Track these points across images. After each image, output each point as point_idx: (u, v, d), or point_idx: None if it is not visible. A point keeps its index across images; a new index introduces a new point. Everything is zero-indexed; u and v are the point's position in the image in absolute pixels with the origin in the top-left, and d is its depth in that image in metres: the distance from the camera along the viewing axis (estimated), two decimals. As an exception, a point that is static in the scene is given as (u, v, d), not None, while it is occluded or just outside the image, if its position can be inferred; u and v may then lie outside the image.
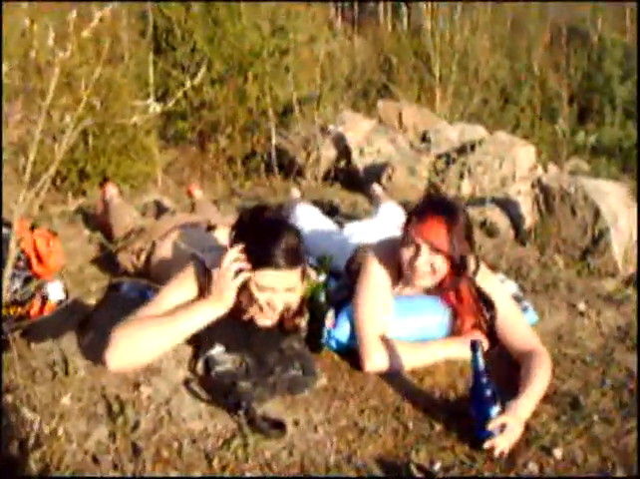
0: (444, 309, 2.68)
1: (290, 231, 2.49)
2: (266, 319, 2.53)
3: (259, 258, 2.41)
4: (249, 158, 5.91)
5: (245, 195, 4.98)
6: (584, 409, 2.36)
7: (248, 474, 2.03)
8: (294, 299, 2.53)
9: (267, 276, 2.42)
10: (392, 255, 2.69)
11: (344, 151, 5.80)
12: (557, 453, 2.15)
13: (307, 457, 2.13)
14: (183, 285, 2.53)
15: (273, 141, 5.74)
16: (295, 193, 4.25)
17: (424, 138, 6.15)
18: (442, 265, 2.54)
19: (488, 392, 2.16)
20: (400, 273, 2.69)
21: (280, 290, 2.46)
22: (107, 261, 3.45)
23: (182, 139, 5.92)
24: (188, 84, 1.79)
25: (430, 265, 2.53)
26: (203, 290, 2.50)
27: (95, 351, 2.44)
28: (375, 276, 2.67)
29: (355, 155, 5.70)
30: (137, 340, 2.33)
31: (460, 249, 2.52)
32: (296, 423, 2.26)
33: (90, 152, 4.59)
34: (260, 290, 2.45)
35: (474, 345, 2.19)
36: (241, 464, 2.07)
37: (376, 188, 4.41)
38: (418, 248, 2.51)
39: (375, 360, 2.54)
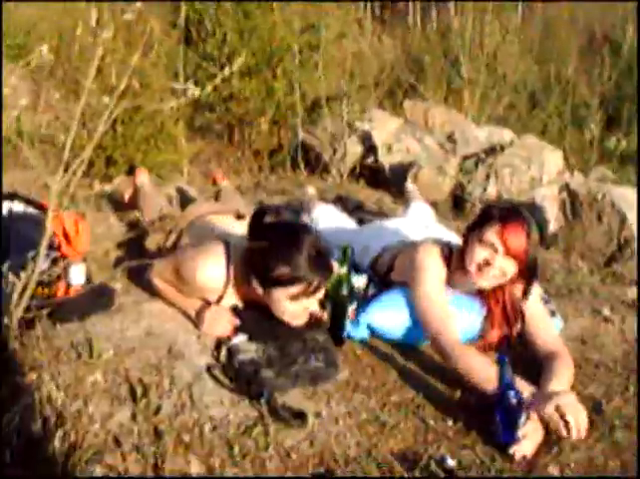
0: (480, 310, 2.68)
1: (310, 236, 2.45)
2: (301, 321, 2.54)
3: (292, 278, 2.40)
4: (275, 152, 5.92)
5: (271, 187, 4.98)
6: (606, 414, 2.35)
7: (268, 463, 2.04)
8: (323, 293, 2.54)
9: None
10: (441, 249, 2.71)
11: (370, 148, 5.80)
12: (578, 456, 2.13)
13: (327, 449, 2.13)
14: (210, 262, 2.57)
15: (300, 136, 5.74)
16: (310, 190, 4.22)
17: (450, 138, 6.12)
18: (511, 270, 2.53)
19: (514, 401, 2.15)
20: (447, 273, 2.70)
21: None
22: (133, 246, 3.47)
23: (209, 130, 5.94)
24: (226, 71, 1.79)
25: (500, 269, 2.53)
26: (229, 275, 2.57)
27: (120, 335, 2.47)
28: (433, 273, 2.65)
29: (381, 152, 5.69)
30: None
31: (533, 258, 2.53)
32: (318, 414, 2.26)
33: (118, 139, 4.61)
34: (294, 301, 2.45)
35: (501, 360, 2.18)
36: (261, 452, 2.07)
37: (410, 185, 4.39)
38: (495, 251, 2.50)
39: (460, 359, 2.43)
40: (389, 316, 2.70)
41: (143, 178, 4.01)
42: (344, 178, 5.58)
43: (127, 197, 3.99)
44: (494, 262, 2.49)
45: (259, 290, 2.47)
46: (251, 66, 5.73)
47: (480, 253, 2.52)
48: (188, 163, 5.26)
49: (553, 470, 2.08)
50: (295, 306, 2.46)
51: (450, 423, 2.29)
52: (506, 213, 2.52)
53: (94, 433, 2.04)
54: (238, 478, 1.96)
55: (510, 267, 2.51)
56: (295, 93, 5.67)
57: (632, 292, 3.62)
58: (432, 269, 2.66)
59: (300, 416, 2.21)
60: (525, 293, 2.62)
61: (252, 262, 2.47)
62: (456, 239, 3.04)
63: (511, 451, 2.12)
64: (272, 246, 2.41)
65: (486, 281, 2.57)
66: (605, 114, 10.81)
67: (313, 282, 2.39)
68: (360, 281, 2.81)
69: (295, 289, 2.40)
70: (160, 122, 4.85)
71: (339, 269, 2.66)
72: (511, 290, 2.63)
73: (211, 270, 2.54)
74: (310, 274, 2.38)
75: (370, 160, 5.73)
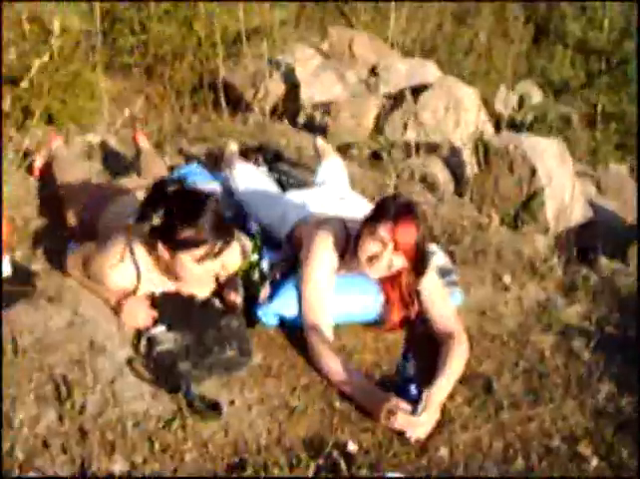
0: (377, 292, 2.84)
1: (212, 203, 2.57)
2: (207, 287, 2.73)
3: (196, 241, 2.52)
4: (197, 90, 5.87)
5: (192, 135, 4.98)
6: (496, 393, 2.59)
7: (187, 456, 2.22)
8: (232, 258, 2.73)
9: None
10: (338, 236, 2.84)
11: (292, 87, 5.82)
12: (466, 437, 2.38)
13: (241, 438, 2.33)
14: (116, 267, 2.67)
15: (221, 74, 5.68)
16: (232, 146, 4.23)
17: (373, 71, 6.18)
18: (400, 264, 2.69)
19: (415, 392, 2.38)
20: (343, 255, 2.84)
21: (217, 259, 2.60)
22: (53, 215, 3.50)
23: (129, 73, 5.83)
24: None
25: (389, 262, 2.67)
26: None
27: (44, 327, 2.56)
28: (323, 262, 2.79)
29: (303, 91, 5.73)
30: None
31: (423, 252, 2.68)
32: (232, 403, 2.45)
33: (34, 89, 4.52)
34: (199, 263, 2.57)
35: (405, 355, 2.38)
36: (181, 445, 2.25)
37: (318, 142, 4.41)
38: (384, 246, 2.63)
39: (321, 358, 2.64)
40: (293, 306, 2.81)
41: (57, 143, 3.96)
42: (266, 117, 5.59)
43: (39, 165, 3.91)
44: (383, 257, 2.65)
45: (166, 256, 2.59)
46: (170, 7, 5.63)
47: (370, 247, 2.67)
48: (109, 105, 5.21)
49: (444, 452, 2.33)
50: (200, 269, 2.59)
51: (354, 405, 2.50)
52: (400, 209, 2.65)
53: (24, 438, 2.17)
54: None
55: (399, 261, 2.67)
56: (216, 33, 5.56)
57: (539, 242, 3.83)
58: (321, 260, 2.79)
59: (215, 407, 2.39)
60: (418, 277, 2.80)
61: (158, 230, 2.57)
62: (366, 208, 3.09)
63: (408, 436, 2.35)
64: (177, 212, 2.54)
65: (376, 273, 2.74)
66: (534, 26, 10.91)
67: (216, 244, 2.54)
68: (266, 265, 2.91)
69: (200, 251, 2.54)
70: (76, 68, 4.76)
71: (250, 256, 2.80)
72: (407, 275, 2.79)
73: (119, 274, 2.66)
74: (213, 237, 2.53)
75: (291, 98, 5.76)
